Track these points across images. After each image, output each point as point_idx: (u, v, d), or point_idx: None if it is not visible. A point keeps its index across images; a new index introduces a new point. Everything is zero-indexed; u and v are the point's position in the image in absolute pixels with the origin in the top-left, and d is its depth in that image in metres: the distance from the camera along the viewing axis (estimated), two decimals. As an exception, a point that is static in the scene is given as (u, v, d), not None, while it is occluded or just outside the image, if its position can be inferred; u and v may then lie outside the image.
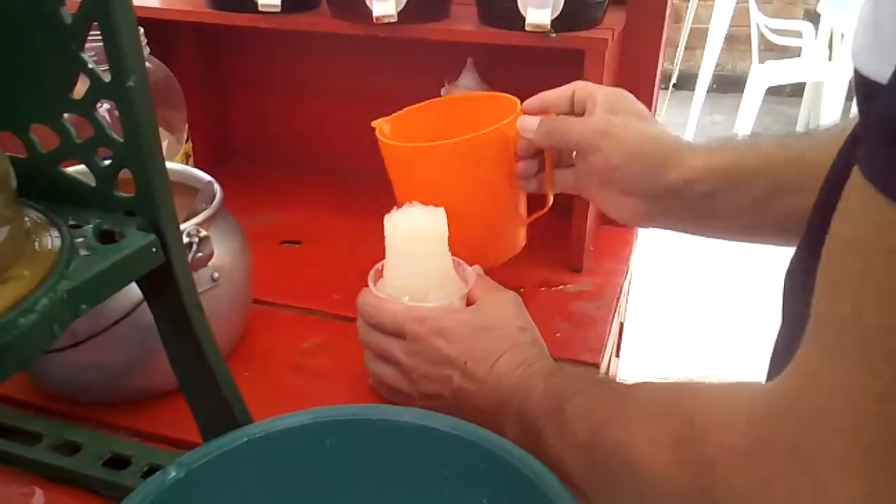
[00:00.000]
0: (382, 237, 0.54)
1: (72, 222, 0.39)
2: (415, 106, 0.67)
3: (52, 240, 0.37)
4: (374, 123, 0.63)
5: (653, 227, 0.58)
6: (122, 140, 0.38)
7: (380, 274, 0.55)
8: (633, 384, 0.42)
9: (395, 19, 0.67)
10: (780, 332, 0.45)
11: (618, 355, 0.97)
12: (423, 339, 0.50)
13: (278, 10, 0.71)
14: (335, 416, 0.41)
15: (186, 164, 0.78)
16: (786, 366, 0.31)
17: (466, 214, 0.57)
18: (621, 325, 0.93)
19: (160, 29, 0.75)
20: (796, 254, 0.43)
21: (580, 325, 0.68)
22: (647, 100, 0.86)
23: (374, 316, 0.53)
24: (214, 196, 0.59)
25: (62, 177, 0.41)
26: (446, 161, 0.59)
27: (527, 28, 0.62)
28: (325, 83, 0.93)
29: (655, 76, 0.85)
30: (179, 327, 0.42)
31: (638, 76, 0.84)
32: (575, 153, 0.58)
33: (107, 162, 0.39)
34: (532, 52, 0.68)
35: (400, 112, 0.66)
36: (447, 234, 0.52)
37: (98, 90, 0.37)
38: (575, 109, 0.58)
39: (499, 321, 0.51)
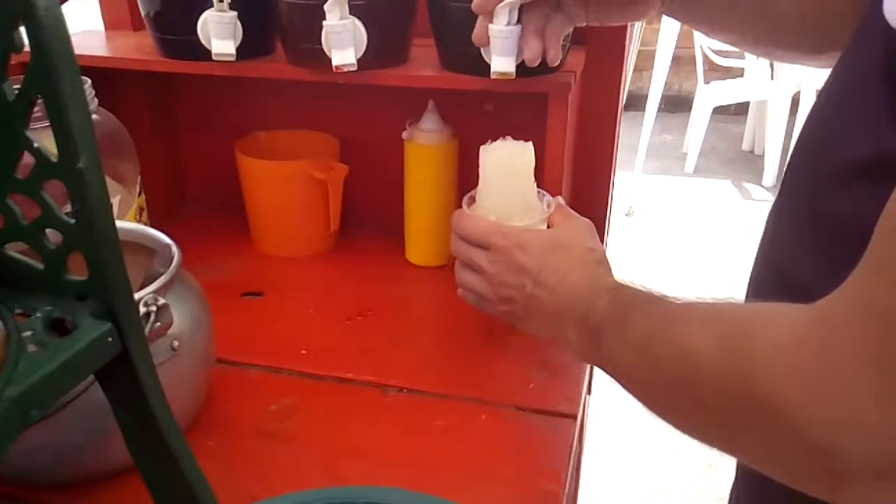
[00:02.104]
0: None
1: (18, 310, 0.36)
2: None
3: (-4, 333, 0.34)
4: None
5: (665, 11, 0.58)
6: (72, 221, 0.35)
7: (472, 199, 0.61)
8: (691, 300, 0.46)
9: (354, 68, 0.66)
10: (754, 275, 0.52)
11: (589, 392, 0.96)
12: (505, 250, 0.55)
13: (233, 59, 0.69)
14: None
15: (140, 218, 0.75)
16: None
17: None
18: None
19: (107, 76, 0.72)
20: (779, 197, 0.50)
21: (555, 374, 0.67)
22: (610, 131, 0.86)
23: (465, 229, 0.58)
24: (172, 259, 0.56)
25: (7, 259, 0.38)
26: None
27: (492, 76, 0.61)
28: (281, 126, 0.91)
29: (617, 111, 0.85)
30: (138, 414, 0.39)
31: (599, 111, 0.84)
32: None
33: (55, 244, 0.36)
34: (495, 94, 0.67)
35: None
36: (534, 164, 0.59)
37: (45, 170, 0.34)
38: None
39: (571, 241, 0.57)
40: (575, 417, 0.61)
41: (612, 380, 0.49)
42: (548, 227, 0.60)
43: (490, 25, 0.58)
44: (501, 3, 0.56)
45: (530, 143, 0.59)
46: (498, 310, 0.57)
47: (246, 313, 0.78)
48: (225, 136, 0.90)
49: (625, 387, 0.47)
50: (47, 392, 0.31)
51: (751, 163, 3.45)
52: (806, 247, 0.47)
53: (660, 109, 3.46)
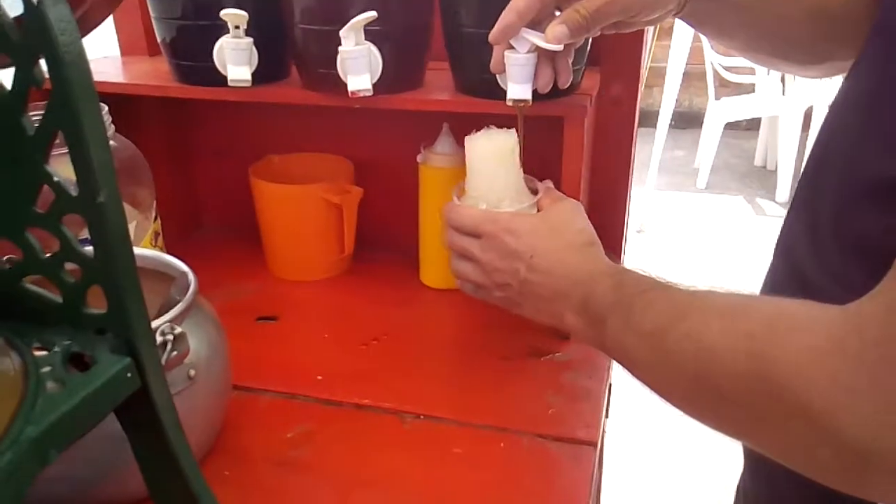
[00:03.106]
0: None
1: (36, 344, 0.36)
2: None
3: (13, 368, 0.34)
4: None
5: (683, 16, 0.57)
6: (91, 256, 0.35)
7: (462, 190, 0.62)
8: (699, 288, 0.45)
9: (370, 93, 0.66)
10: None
11: (607, 415, 0.95)
12: (496, 236, 0.56)
13: (249, 85, 0.69)
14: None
15: (156, 243, 0.75)
16: None
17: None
18: (609, 386, 0.91)
19: (122, 101, 0.72)
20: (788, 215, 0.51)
21: (573, 399, 0.66)
22: (626, 152, 0.85)
23: (456, 219, 0.59)
24: (189, 286, 0.56)
25: (25, 293, 0.38)
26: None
27: (508, 103, 0.60)
28: (295, 149, 0.91)
29: (633, 131, 0.85)
30: (155, 448, 0.39)
31: (615, 131, 0.84)
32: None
33: (74, 278, 0.36)
34: (510, 117, 0.67)
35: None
36: (518, 150, 0.60)
37: (65, 204, 0.34)
38: None
39: (560, 224, 0.57)
40: (595, 445, 0.60)
41: (619, 364, 0.49)
42: (537, 210, 0.60)
43: (507, 53, 0.58)
44: (522, 32, 0.56)
45: (513, 129, 0.60)
46: (495, 296, 0.58)
47: (261, 338, 0.77)
48: (239, 160, 0.90)
49: (633, 373, 0.47)
50: (66, 431, 0.31)
51: (763, 178, 3.43)
52: (827, 257, 0.47)
53: (670, 126, 3.46)
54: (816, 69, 0.61)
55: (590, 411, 0.64)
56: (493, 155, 0.60)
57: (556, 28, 0.53)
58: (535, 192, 0.62)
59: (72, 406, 0.31)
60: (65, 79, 0.31)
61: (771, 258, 0.55)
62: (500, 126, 0.62)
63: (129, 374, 0.34)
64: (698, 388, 0.41)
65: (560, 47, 0.55)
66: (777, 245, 0.54)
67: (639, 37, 0.79)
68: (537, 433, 0.62)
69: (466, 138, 0.61)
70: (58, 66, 0.31)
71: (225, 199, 0.99)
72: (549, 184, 0.62)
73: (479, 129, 0.61)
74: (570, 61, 0.60)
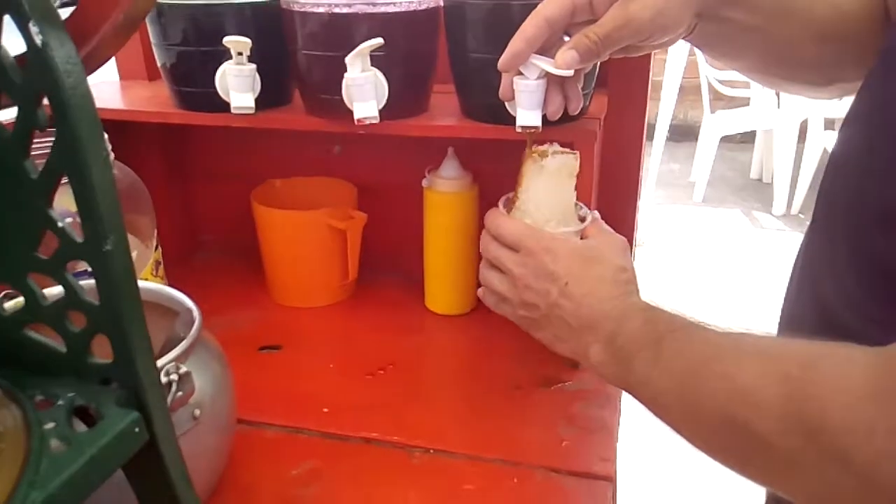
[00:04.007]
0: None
1: (39, 397, 0.34)
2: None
3: (15, 423, 0.32)
4: None
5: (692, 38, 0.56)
6: (97, 303, 0.33)
7: (508, 201, 0.61)
8: (735, 332, 0.44)
9: (377, 120, 0.65)
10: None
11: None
12: (535, 253, 0.54)
13: (252, 112, 0.68)
14: None
15: (157, 272, 0.73)
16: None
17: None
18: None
19: (121, 126, 0.71)
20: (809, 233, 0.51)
21: (587, 431, 0.64)
22: (634, 172, 0.85)
23: (498, 227, 0.57)
24: (193, 322, 0.54)
25: (27, 341, 0.36)
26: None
27: (518, 130, 0.59)
28: (296, 173, 0.90)
29: (640, 152, 0.84)
30: (162, 500, 0.37)
31: (623, 152, 0.83)
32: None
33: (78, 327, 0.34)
34: (516, 143, 0.66)
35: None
36: (577, 173, 0.59)
37: (69, 250, 0.33)
38: (575, 18, 0.54)
39: (603, 256, 0.55)
40: (612, 480, 0.59)
41: (641, 404, 0.47)
42: (581, 238, 0.59)
43: (516, 79, 0.57)
44: (532, 59, 0.55)
45: (577, 153, 0.59)
46: (518, 314, 0.56)
47: (264, 369, 0.75)
48: (239, 184, 0.89)
49: (656, 413, 0.46)
50: (73, 494, 0.29)
51: (760, 191, 3.43)
52: (850, 286, 0.46)
53: (666, 139, 3.47)
54: (825, 91, 0.60)
55: (604, 444, 0.63)
56: (551, 173, 0.59)
57: (567, 53, 0.52)
58: (582, 219, 0.60)
59: (78, 467, 0.29)
60: (70, 122, 0.30)
61: (788, 280, 0.54)
62: (506, 147, 0.60)
63: (136, 429, 0.33)
64: (729, 431, 0.40)
65: (570, 73, 0.54)
66: (795, 265, 0.53)
67: (646, 57, 0.78)
68: (551, 467, 0.60)
69: (527, 150, 0.59)
70: (63, 109, 0.30)
71: (224, 224, 0.98)
72: (598, 215, 0.61)
73: (541, 143, 0.59)
74: (581, 86, 0.59)
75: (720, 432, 0.41)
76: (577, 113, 0.62)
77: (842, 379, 0.35)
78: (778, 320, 0.56)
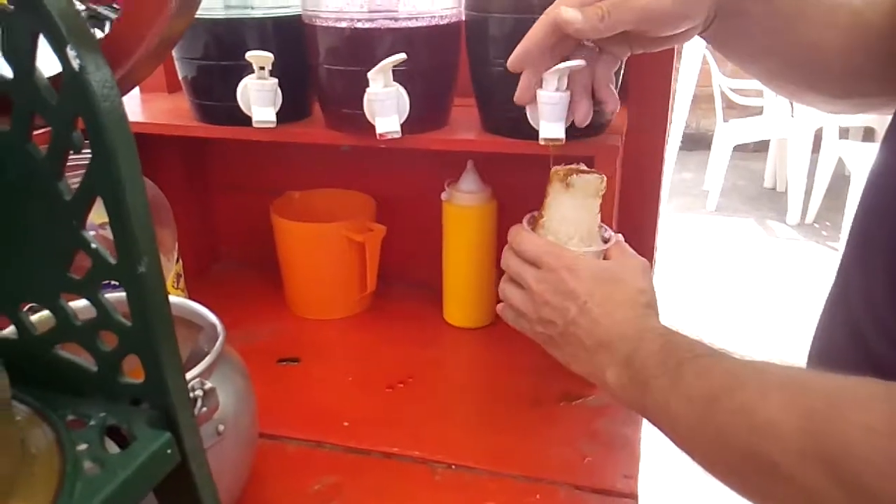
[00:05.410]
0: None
1: (71, 417, 0.35)
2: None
3: (47, 444, 0.32)
4: None
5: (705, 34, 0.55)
6: (129, 324, 0.33)
7: (532, 218, 0.61)
8: (758, 361, 0.44)
9: (399, 135, 0.65)
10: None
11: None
12: (556, 270, 0.54)
13: (273, 125, 0.68)
14: None
15: (178, 285, 0.73)
16: None
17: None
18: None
19: (140, 139, 0.71)
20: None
21: (610, 447, 0.64)
22: (655, 184, 0.84)
23: (520, 243, 0.57)
24: (217, 337, 0.54)
25: (59, 361, 0.36)
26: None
27: (541, 142, 0.59)
28: (315, 185, 0.90)
29: (662, 164, 0.84)
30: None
31: (644, 164, 0.83)
32: None
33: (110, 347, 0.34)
34: (536, 156, 0.66)
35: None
36: (602, 193, 0.59)
37: (102, 271, 0.33)
38: None
39: (624, 278, 0.55)
40: (636, 497, 0.58)
41: (657, 428, 0.46)
42: (603, 259, 0.59)
43: (539, 92, 0.57)
44: (551, 70, 0.55)
45: (604, 176, 0.59)
46: (535, 330, 0.56)
47: (283, 381, 0.75)
48: (258, 196, 0.89)
49: (672, 438, 0.45)
50: (106, 517, 0.29)
51: (773, 200, 3.41)
52: (889, 319, 0.45)
53: (678, 148, 3.46)
54: (840, 104, 0.59)
55: (627, 461, 0.62)
56: (576, 193, 0.58)
57: (570, 9, 0.51)
58: (605, 240, 0.60)
59: (112, 489, 0.29)
60: (107, 146, 0.30)
61: (822, 310, 0.53)
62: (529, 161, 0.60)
63: (168, 451, 0.33)
64: (749, 463, 0.39)
65: (576, 29, 0.51)
66: (830, 293, 0.52)
67: (667, 67, 0.78)
68: (574, 484, 0.60)
69: (554, 169, 0.59)
70: (100, 133, 0.30)
71: (243, 236, 0.98)
72: (621, 237, 0.61)
73: (566, 163, 0.59)
74: (615, 88, 0.58)
75: (739, 464, 0.40)
76: (616, 111, 0.61)
77: (864, 414, 0.35)
78: (809, 348, 0.55)
